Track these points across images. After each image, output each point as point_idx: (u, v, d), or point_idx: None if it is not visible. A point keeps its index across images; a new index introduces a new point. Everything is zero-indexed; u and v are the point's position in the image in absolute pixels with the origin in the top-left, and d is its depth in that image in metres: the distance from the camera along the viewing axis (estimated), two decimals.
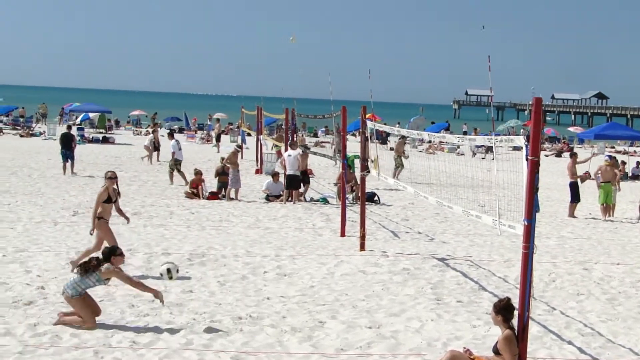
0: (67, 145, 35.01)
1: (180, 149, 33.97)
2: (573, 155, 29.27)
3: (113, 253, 12.87)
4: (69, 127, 39.10)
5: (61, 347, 11.25)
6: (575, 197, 27.58)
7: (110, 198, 15.99)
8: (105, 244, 15.45)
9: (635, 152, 65.69)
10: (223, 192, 28.67)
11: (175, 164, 33.17)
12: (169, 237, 20.25)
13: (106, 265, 12.52)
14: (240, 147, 32.30)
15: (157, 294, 12.61)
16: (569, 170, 28.19)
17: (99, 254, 13.10)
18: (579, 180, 28.29)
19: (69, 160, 34.69)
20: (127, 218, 17.18)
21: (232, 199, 28.42)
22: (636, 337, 12.86)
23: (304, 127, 73.47)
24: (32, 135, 62.87)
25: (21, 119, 74.31)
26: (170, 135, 38.50)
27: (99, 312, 12.57)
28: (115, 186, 16.32)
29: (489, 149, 51.15)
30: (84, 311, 12.36)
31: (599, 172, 27.92)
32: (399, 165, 36.12)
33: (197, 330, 12.29)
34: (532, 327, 12.10)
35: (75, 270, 12.96)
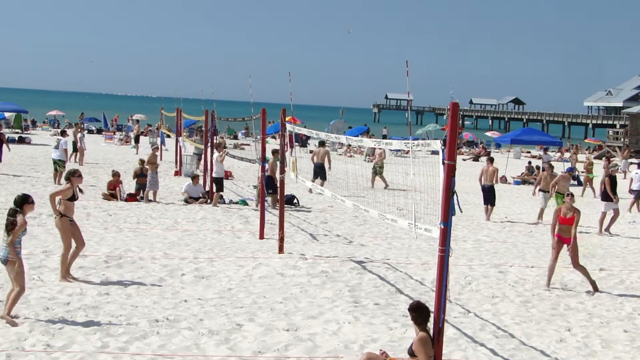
0: None
1: (56, 147, 33.32)
2: (490, 160, 29.64)
3: (26, 201, 12.94)
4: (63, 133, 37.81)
5: None
6: (491, 201, 27.97)
7: (74, 196, 15.73)
8: (73, 242, 15.48)
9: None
10: (141, 194, 28.42)
11: (55, 163, 32.58)
12: (86, 239, 19.89)
13: (19, 217, 12.64)
14: (158, 148, 32.01)
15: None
16: (485, 174, 28.51)
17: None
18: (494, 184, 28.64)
19: None
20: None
21: (151, 200, 28.20)
22: (549, 339, 13.10)
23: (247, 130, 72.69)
24: None
25: None
26: (63, 133, 37.89)
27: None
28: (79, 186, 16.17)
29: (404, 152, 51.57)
30: (20, 276, 12.59)
31: (545, 179, 27.98)
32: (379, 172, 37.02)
33: (113, 333, 12.18)
34: (448, 330, 12.23)
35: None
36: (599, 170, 42.11)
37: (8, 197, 26.06)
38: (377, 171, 37.27)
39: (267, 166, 27.42)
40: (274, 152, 28.93)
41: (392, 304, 14.73)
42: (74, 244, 15.63)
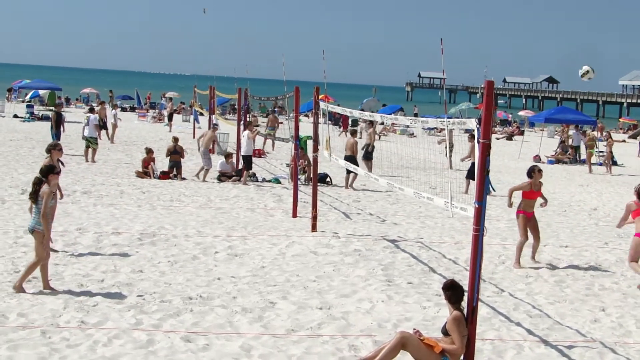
0: (57, 125, 34.52)
1: (87, 124, 33.49)
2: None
3: (51, 171, 13.27)
4: (59, 106, 37.79)
5: (7, 327, 11.12)
6: None
7: (55, 169, 15.78)
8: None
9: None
10: (174, 172, 28.49)
11: (87, 141, 32.80)
12: (119, 217, 20.09)
13: (44, 187, 12.92)
14: (217, 126, 32.01)
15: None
16: None
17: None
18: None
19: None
20: (61, 193, 16.80)
21: (205, 181, 28.24)
22: (583, 319, 13.00)
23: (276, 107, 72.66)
24: None
25: None
26: (91, 110, 37.91)
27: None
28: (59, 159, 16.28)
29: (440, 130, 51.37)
30: (42, 247, 12.77)
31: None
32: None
33: (147, 310, 12.22)
34: (481, 309, 12.17)
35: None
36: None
37: None
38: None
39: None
40: (353, 132, 29.26)
41: (426, 283, 14.68)
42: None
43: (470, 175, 27.87)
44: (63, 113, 38.32)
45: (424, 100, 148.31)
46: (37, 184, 12.89)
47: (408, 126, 58.02)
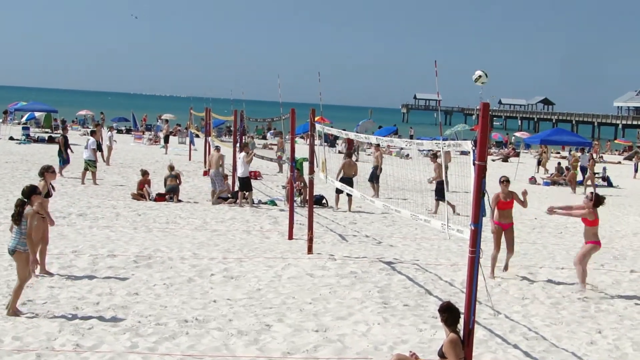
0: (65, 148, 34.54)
1: (86, 147, 33.48)
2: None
3: (34, 192, 13.17)
4: (65, 129, 37.59)
5: (2, 351, 11.08)
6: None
7: (48, 192, 15.75)
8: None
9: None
10: (171, 195, 28.43)
11: (86, 163, 32.77)
12: (115, 239, 20.07)
13: (27, 208, 12.87)
14: (219, 148, 31.95)
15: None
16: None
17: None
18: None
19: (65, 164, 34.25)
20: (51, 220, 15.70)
21: (223, 200, 28.30)
22: (579, 341, 12.98)
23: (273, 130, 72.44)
24: None
25: None
26: (92, 133, 37.99)
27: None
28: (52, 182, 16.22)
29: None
30: (24, 267, 12.76)
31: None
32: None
33: (142, 333, 12.19)
34: (478, 331, 12.17)
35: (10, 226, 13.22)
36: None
37: None
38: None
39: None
40: (348, 154, 29.43)
41: (422, 305, 14.66)
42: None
43: (438, 194, 28.05)
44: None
45: (420, 122, 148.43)
46: (20, 205, 12.88)
47: (402, 148, 58.01)
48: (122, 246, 19.03)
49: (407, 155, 61.05)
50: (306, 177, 23.48)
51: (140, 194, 28.33)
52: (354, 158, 31.23)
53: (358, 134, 21.80)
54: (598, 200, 16.50)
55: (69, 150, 34.97)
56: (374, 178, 31.93)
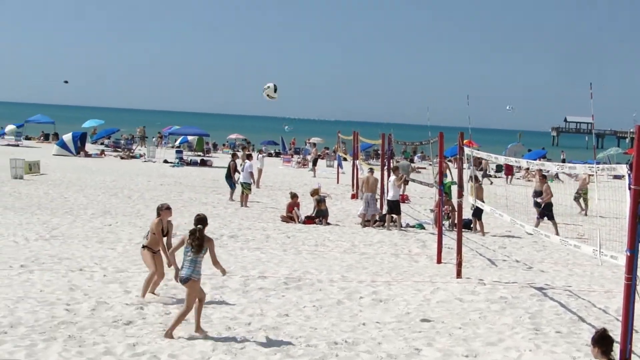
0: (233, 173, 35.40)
1: (242, 170, 33.98)
2: None
3: (204, 222, 13.35)
4: (233, 156, 38.49)
5: None
6: None
7: (163, 230, 15.68)
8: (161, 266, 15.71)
9: None
10: (320, 218, 28.68)
11: (242, 186, 33.41)
12: (265, 261, 20.38)
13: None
14: (372, 170, 32.04)
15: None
16: None
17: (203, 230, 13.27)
18: None
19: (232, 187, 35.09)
20: (171, 262, 14.50)
21: (380, 224, 28.52)
22: None
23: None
24: (132, 157, 64.02)
25: (122, 141, 75.89)
26: (248, 157, 38.54)
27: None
28: (169, 219, 16.02)
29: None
30: (193, 296, 13.07)
31: None
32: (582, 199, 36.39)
33: (293, 354, 12.33)
34: None
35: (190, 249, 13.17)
36: None
37: (191, 218, 26.78)
38: (581, 196, 36.51)
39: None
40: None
41: (575, 333, 14.34)
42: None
43: (546, 216, 27.79)
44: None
45: (571, 145, 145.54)
46: (198, 235, 13.07)
47: (547, 171, 56.92)
48: (272, 268, 19.31)
49: (556, 175, 59.94)
50: (454, 200, 23.34)
51: (290, 217, 28.70)
52: (486, 181, 30.80)
53: (508, 157, 21.55)
54: None
55: (235, 175, 35.47)
56: (538, 204, 31.57)
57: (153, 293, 15.67)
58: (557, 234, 30.35)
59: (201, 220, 13.29)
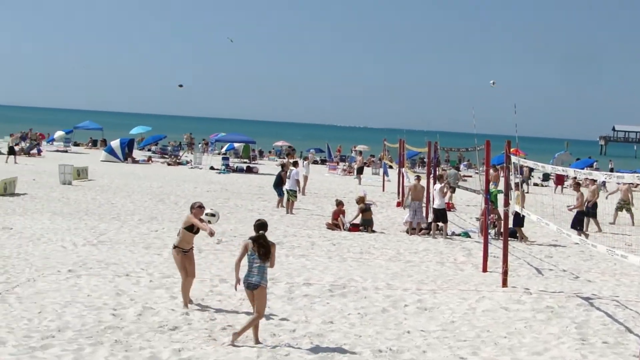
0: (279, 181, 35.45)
1: (288, 177, 33.98)
2: None
3: (265, 227, 13.48)
4: (283, 166, 38.50)
5: None
6: None
7: (193, 227, 15.47)
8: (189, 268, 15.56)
9: None
10: (364, 226, 28.65)
11: (288, 193, 33.53)
12: (311, 268, 20.41)
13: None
14: (419, 178, 31.85)
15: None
16: None
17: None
18: None
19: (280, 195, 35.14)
20: (205, 228, 15.31)
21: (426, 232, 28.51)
22: None
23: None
24: (179, 164, 64.43)
25: (169, 148, 76.48)
26: (295, 164, 38.45)
27: None
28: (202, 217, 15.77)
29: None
30: (264, 303, 13.16)
31: None
32: (626, 209, 36.08)
33: None
34: None
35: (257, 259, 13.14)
36: None
37: (237, 224, 26.96)
38: (623, 207, 36.06)
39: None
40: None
41: (622, 343, 14.19)
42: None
43: (578, 225, 27.62)
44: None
45: (619, 154, 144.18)
46: (262, 241, 13.13)
47: (596, 180, 56.41)
48: (317, 275, 19.33)
49: (604, 183, 59.38)
50: (501, 209, 23.21)
51: (335, 224, 28.72)
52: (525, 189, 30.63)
53: (555, 166, 21.39)
54: None
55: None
56: (590, 212, 31.33)
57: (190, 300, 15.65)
58: (600, 230, 30.26)
59: (262, 226, 13.35)
